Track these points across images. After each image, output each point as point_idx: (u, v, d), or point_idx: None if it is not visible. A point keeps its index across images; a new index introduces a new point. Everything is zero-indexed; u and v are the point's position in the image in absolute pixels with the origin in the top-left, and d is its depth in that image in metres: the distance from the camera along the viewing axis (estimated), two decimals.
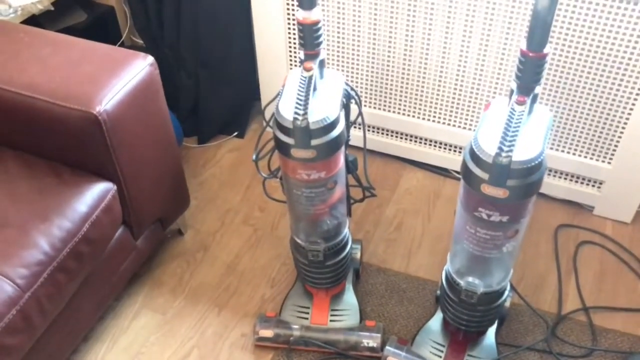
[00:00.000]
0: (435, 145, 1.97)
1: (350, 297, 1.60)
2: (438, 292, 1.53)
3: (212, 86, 2.08)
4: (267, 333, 1.54)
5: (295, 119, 1.19)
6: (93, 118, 1.31)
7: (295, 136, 1.21)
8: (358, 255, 1.67)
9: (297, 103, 1.20)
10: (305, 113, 1.18)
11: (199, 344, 1.57)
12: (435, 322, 1.54)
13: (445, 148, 1.96)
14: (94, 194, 1.38)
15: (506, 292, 1.39)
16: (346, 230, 1.50)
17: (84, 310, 1.47)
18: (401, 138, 2.00)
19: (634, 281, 1.69)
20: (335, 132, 1.23)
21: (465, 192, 1.20)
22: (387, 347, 1.48)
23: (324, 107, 1.23)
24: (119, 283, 1.58)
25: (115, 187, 1.42)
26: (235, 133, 2.18)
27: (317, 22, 1.22)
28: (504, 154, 1.08)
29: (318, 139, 1.21)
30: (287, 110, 1.23)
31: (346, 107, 1.35)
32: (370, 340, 1.51)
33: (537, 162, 1.10)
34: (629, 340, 1.54)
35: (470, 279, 1.32)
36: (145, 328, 1.61)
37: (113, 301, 1.65)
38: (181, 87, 2.12)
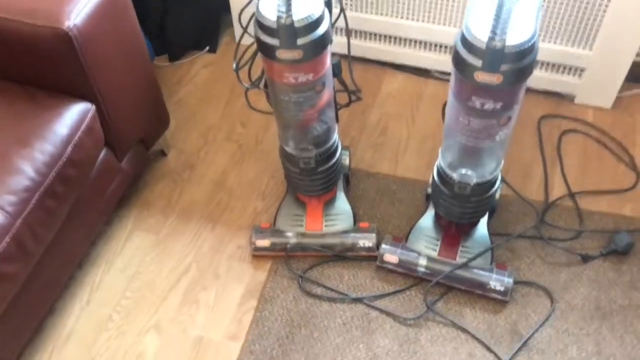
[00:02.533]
0: (414, 46, 1.93)
1: (342, 203, 1.61)
2: (428, 189, 1.54)
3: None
4: (264, 243, 1.55)
5: (279, 17, 1.13)
6: (63, 34, 1.23)
7: (280, 36, 1.16)
8: (347, 162, 1.67)
9: (280, 1, 1.14)
10: (290, 10, 1.13)
11: (197, 259, 1.58)
12: (427, 219, 1.56)
13: (425, 47, 1.92)
14: (73, 115, 1.32)
15: (498, 182, 1.41)
16: (336, 136, 1.48)
17: (76, 235, 1.45)
18: (380, 40, 1.95)
19: (616, 164, 1.73)
20: (320, 30, 1.19)
21: (457, 82, 1.18)
22: (383, 245, 1.51)
23: (307, 5, 1.18)
24: (108, 206, 1.56)
25: (93, 107, 1.36)
26: (207, 48, 2.10)
27: None
28: (497, 38, 1.06)
29: (304, 37, 1.16)
30: (269, 10, 1.17)
31: (328, 5, 1.30)
32: (366, 241, 1.53)
33: (530, 44, 1.08)
34: (614, 220, 1.59)
35: (463, 171, 1.33)
36: (140, 249, 1.61)
37: (104, 226, 1.63)
38: (147, 2, 2.01)
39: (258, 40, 1.21)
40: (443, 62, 1.91)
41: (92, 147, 1.39)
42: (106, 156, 1.47)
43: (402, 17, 1.84)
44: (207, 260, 1.58)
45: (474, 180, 1.33)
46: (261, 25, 1.18)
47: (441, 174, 1.39)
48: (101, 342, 1.44)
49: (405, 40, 1.92)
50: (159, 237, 1.63)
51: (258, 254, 1.57)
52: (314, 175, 1.48)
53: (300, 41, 1.16)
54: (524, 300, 1.47)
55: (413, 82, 1.97)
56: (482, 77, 1.11)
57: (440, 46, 1.89)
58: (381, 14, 1.85)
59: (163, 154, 1.80)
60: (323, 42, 1.21)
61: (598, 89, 1.81)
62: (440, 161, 1.40)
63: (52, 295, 1.44)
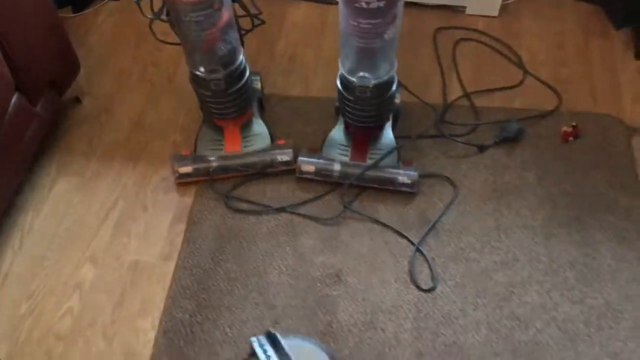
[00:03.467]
0: None
1: (258, 125, 1.70)
2: (337, 103, 1.65)
3: None
4: (186, 169, 1.62)
5: None
6: None
7: None
8: (259, 86, 1.75)
9: None
10: None
11: (122, 195, 1.64)
12: (338, 131, 1.67)
13: None
14: None
15: (395, 83, 1.53)
16: (242, 57, 1.55)
17: (5, 168, 1.47)
18: None
19: (506, 65, 1.89)
20: None
21: None
22: (300, 157, 1.62)
23: None
24: (27, 152, 1.59)
25: None
26: None
27: None
28: None
29: None
30: None
31: None
32: (284, 155, 1.63)
33: None
34: (506, 112, 1.76)
35: (361, 73, 1.44)
36: (66, 192, 1.65)
37: (28, 173, 1.66)
38: None
39: None
40: None
41: (2, 89, 1.41)
42: (18, 100, 1.49)
43: None
44: (132, 195, 1.64)
45: (372, 82, 1.45)
46: None
47: (343, 81, 1.50)
48: (39, 280, 1.49)
49: None
50: (84, 179, 1.68)
51: (182, 181, 1.64)
52: (225, 97, 1.56)
53: None
54: (430, 190, 1.62)
55: (316, 10, 2.06)
56: None
57: None
58: None
59: (78, 100, 1.83)
60: None
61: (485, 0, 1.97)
62: (341, 70, 1.50)
63: None
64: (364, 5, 1.26)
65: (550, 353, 1.35)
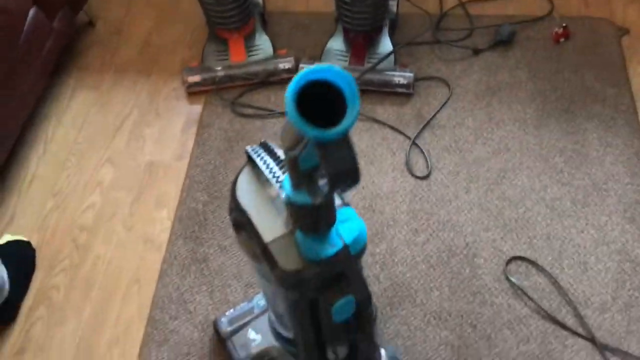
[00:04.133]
0: None
1: (261, 37, 1.79)
2: (335, 13, 1.73)
3: None
4: (195, 78, 1.72)
5: None
6: None
7: None
8: (260, 1, 1.84)
9: None
10: None
11: (137, 104, 1.75)
12: (337, 39, 1.75)
13: None
14: None
15: None
16: None
17: (21, 89, 1.58)
18: None
19: None
20: None
21: None
22: (302, 64, 1.71)
23: None
24: (46, 65, 1.69)
25: None
26: None
27: None
28: None
29: None
30: None
31: None
32: (286, 63, 1.72)
33: None
34: (499, 18, 1.82)
35: None
36: (84, 103, 1.76)
37: (47, 87, 1.77)
38: None
39: None
40: None
41: (20, 2, 1.51)
42: (36, 14, 1.60)
43: None
44: (146, 104, 1.75)
45: None
46: None
47: None
48: (62, 180, 1.61)
49: None
50: (100, 91, 1.79)
51: (191, 91, 1.74)
52: (228, 5, 1.65)
53: None
54: (426, 92, 1.70)
55: None
56: None
57: None
58: None
59: (91, 24, 1.93)
60: None
61: None
62: None
63: (8, 144, 1.58)
64: None
65: (539, 227, 1.44)
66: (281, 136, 0.68)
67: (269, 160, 0.80)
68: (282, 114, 1.68)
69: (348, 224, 0.74)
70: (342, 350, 0.96)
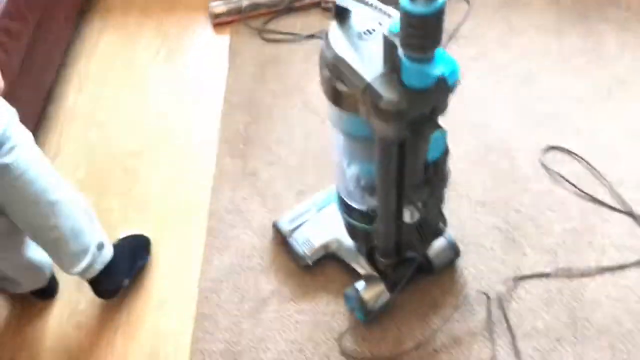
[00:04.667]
0: None
1: None
2: None
3: None
4: (222, 9, 1.77)
5: None
6: None
7: None
8: None
9: None
10: None
11: (166, 38, 1.79)
12: None
13: None
14: None
15: None
16: None
17: (54, 33, 1.61)
18: None
19: None
20: None
21: None
22: None
23: None
24: (74, 6, 1.72)
25: None
26: None
27: None
28: None
29: None
30: None
31: None
32: None
33: None
34: None
35: None
36: (113, 42, 1.80)
37: (75, 31, 1.79)
38: None
39: None
40: None
41: None
42: None
43: None
44: (174, 38, 1.79)
45: None
46: None
47: None
48: (102, 113, 1.65)
49: None
50: (127, 31, 1.82)
51: (218, 22, 1.78)
52: None
53: None
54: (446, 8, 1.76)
55: None
56: None
57: None
58: None
59: None
60: None
61: None
62: None
63: (48, 79, 1.61)
64: None
65: (569, 120, 1.52)
66: None
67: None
68: (309, 37, 1.73)
69: (443, 60, 0.80)
70: (416, 214, 1.02)
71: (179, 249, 1.40)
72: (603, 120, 1.51)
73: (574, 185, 1.41)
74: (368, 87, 0.78)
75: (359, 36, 0.83)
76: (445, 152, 0.92)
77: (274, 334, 1.27)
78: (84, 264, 1.23)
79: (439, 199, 1.03)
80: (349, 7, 0.83)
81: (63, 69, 1.72)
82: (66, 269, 1.25)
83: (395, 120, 0.79)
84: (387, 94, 0.77)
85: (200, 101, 1.64)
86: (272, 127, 1.57)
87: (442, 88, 0.79)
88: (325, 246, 1.32)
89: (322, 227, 1.33)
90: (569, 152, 1.46)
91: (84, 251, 1.22)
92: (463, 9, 1.75)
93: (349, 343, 1.24)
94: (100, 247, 1.25)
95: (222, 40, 1.76)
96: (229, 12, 1.76)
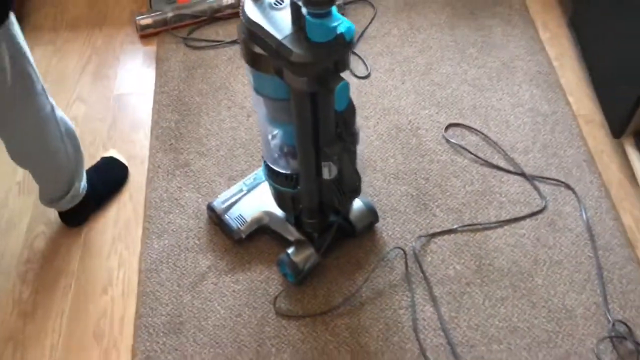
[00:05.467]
0: None
1: None
2: None
3: None
4: (147, 21, 1.89)
5: None
6: None
7: None
8: None
9: None
10: None
11: (95, 51, 1.89)
12: None
13: None
14: None
15: None
16: None
17: None
18: None
19: None
20: None
21: None
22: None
23: None
24: None
25: None
26: None
27: None
28: None
29: None
30: None
31: None
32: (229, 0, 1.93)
33: None
34: None
35: None
36: (44, 57, 1.87)
37: None
38: None
39: None
40: None
41: None
42: None
43: None
44: (103, 50, 1.89)
45: None
46: None
47: None
48: None
49: None
50: (56, 46, 1.91)
51: (144, 33, 1.90)
52: None
53: None
54: (355, 12, 1.96)
55: None
56: None
57: None
58: None
59: None
60: None
61: None
62: None
63: None
64: None
65: (465, 101, 1.72)
66: None
67: None
68: (232, 42, 1.87)
69: (340, 19, 0.95)
70: (333, 170, 1.16)
71: (120, 236, 1.49)
72: (494, 99, 1.72)
73: (473, 154, 1.60)
74: (280, 45, 0.93)
75: (270, 6, 0.98)
76: (351, 108, 1.08)
77: (213, 304, 1.37)
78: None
79: (352, 157, 1.17)
80: None
81: None
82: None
83: (306, 72, 0.93)
84: (296, 49, 0.91)
85: (132, 104, 1.75)
86: (201, 123, 1.69)
87: (342, 44, 0.94)
88: (257, 219, 1.44)
89: (253, 204, 1.46)
90: (467, 127, 1.66)
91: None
92: (370, 12, 1.95)
93: (283, 304, 1.37)
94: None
95: (149, 49, 1.88)
96: (154, 24, 1.88)
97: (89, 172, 1.51)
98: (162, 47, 1.88)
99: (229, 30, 1.90)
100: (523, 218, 1.49)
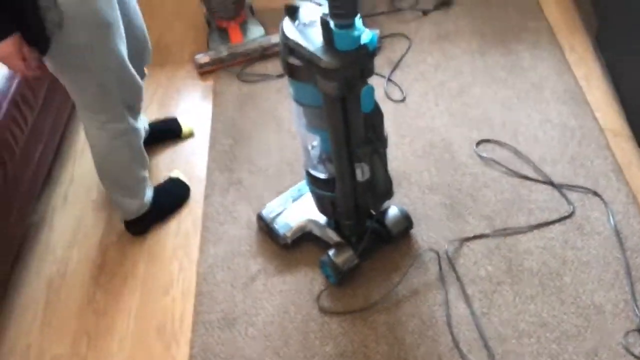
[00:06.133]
0: None
1: (252, 23, 2.22)
2: None
3: None
4: (205, 59, 2.11)
5: None
6: None
7: None
8: None
9: None
10: None
11: (160, 86, 2.11)
12: None
13: None
14: None
15: None
16: None
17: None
18: None
19: None
20: None
21: None
22: None
23: None
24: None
25: None
26: None
27: None
28: None
29: None
30: None
31: None
32: (275, 38, 2.13)
33: None
34: None
35: None
36: None
37: None
38: None
39: None
40: None
41: None
42: None
43: None
44: (166, 85, 2.12)
45: None
46: None
47: None
48: None
49: None
50: None
51: (203, 71, 2.12)
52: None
53: None
54: (391, 45, 2.13)
55: None
56: None
57: None
58: None
59: None
60: None
61: None
62: None
63: (63, 120, 1.90)
64: None
65: (496, 119, 1.84)
66: None
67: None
68: (279, 76, 2.07)
69: (364, 30, 1.11)
70: (366, 172, 1.30)
71: (180, 245, 1.66)
72: (523, 116, 1.83)
73: (503, 166, 1.71)
74: (312, 55, 1.09)
75: (304, 25, 1.16)
76: (378, 112, 1.22)
77: (263, 302, 1.51)
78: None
79: (382, 159, 1.31)
80: (297, 6, 1.17)
81: (74, 112, 2.04)
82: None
83: (334, 78, 1.09)
84: (326, 57, 1.08)
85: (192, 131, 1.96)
86: (252, 146, 1.87)
87: (366, 53, 1.10)
88: (301, 226, 1.58)
89: (297, 212, 1.61)
90: (497, 142, 1.77)
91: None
92: (405, 44, 2.11)
93: (325, 302, 1.49)
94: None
95: (207, 84, 2.10)
96: (212, 62, 2.11)
97: (156, 189, 1.71)
98: (218, 81, 2.09)
99: (277, 66, 2.10)
100: (552, 223, 1.57)
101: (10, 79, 1.62)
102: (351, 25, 1.08)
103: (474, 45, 2.08)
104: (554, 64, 1.97)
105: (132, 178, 1.62)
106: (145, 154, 1.64)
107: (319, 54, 1.08)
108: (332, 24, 1.08)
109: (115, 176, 1.61)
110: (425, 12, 2.22)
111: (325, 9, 1.14)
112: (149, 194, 1.67)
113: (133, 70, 1.47)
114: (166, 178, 1.80)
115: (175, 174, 1.81)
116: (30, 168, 1.68)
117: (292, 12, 1.17)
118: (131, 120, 1.53)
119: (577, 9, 2.16)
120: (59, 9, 1.21)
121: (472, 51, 2.06)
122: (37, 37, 1.24)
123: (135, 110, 1.56)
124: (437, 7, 2.23)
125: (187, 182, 1.79)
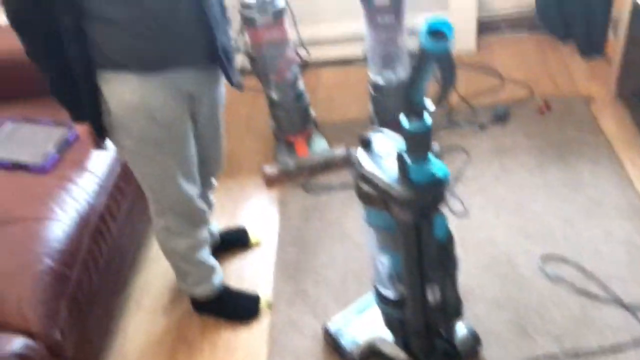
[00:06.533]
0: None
1: (317, 137, 2.34)
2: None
3: None
4: (273, 171, 2.23)
5: None
6: None
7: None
8: (313, 113, 2.41)
9: None
10: None
11: (229, 195, 2.22)
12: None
13: None
14: None
15: None
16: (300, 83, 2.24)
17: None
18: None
19: (487, 78, 2.55)
20: None
21: None
22: (352, 152, 2.22)
23: None
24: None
25: None
26: None
27: None
28: None
29: None
30: None
31: None
32: (340, 152, 2.24)
33: None
34: (494, 106, 2.39)
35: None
36: None
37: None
38: None
39: None
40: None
41: None
42: None
43: None
44: (236, 194, 2.23)
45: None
46: None
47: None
48: None
49: None
50: None
51: (270, 180, 2.23)
52: (295, 116, 2.22)
53: None
54: (450, 158, 2.21)
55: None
56: None
57: None
58: None
59: None
60: None
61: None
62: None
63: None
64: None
65: (558, 234, 1.86)
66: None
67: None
68: (342, 187, 2.16)
69: (437, 164, 1.18)
70: (437, 293, 1.33)
71: (246, 356, 1.70)
72: (585, 231, 1.85)
73: (569, 282, 1.71)
74: (389, 187, 1.17)
75: (378, 156, 1.24)
76: (450, 237, 1.27)
77: None
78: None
79: (453, 281, 1.34)
80: (371, 139, 1.26)
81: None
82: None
83: (410, 207, 1.16)
84: (402, 189, 1.15)
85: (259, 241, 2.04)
86: (318, 255, 1.93)
87: (438, 184, 1.17)
88: (368, 344, 1.60)
89: (365, 327, 1.63)
90: (561, 258, 1.78)
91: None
92: (463, 158, 2.19)
93: None
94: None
95: (273, 195, 2.21)
96: (279, 173, 2.22)
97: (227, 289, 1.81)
98: (284, 192, 2.20)
99: (341, 177, 2.20)
100: (625, 344, 1.55)
101: (99, 194, 1.77)
102: (426, 160, 1.16)
103: (532, 160, 2.13)
104: (615, 178, 2.00)
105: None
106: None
107: (396, 185, 1.16)
108: (407, 159, 1.17)
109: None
110: (482, 127, 2.31)
111: (398, 141, 1.23)
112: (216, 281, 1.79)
113: (184, 187, 1.56)
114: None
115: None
116: (110, 279, 1.79)
117: (367, 144, 1.27)
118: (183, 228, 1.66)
119: (633, 120, 2.21)
120: (111, 117, 1.41)
121: (530, 165, 2.11)
122: (98, 131, 1.45)
123: (186, 219, 1.65)
124: (493, 122, 2.32)
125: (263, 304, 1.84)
